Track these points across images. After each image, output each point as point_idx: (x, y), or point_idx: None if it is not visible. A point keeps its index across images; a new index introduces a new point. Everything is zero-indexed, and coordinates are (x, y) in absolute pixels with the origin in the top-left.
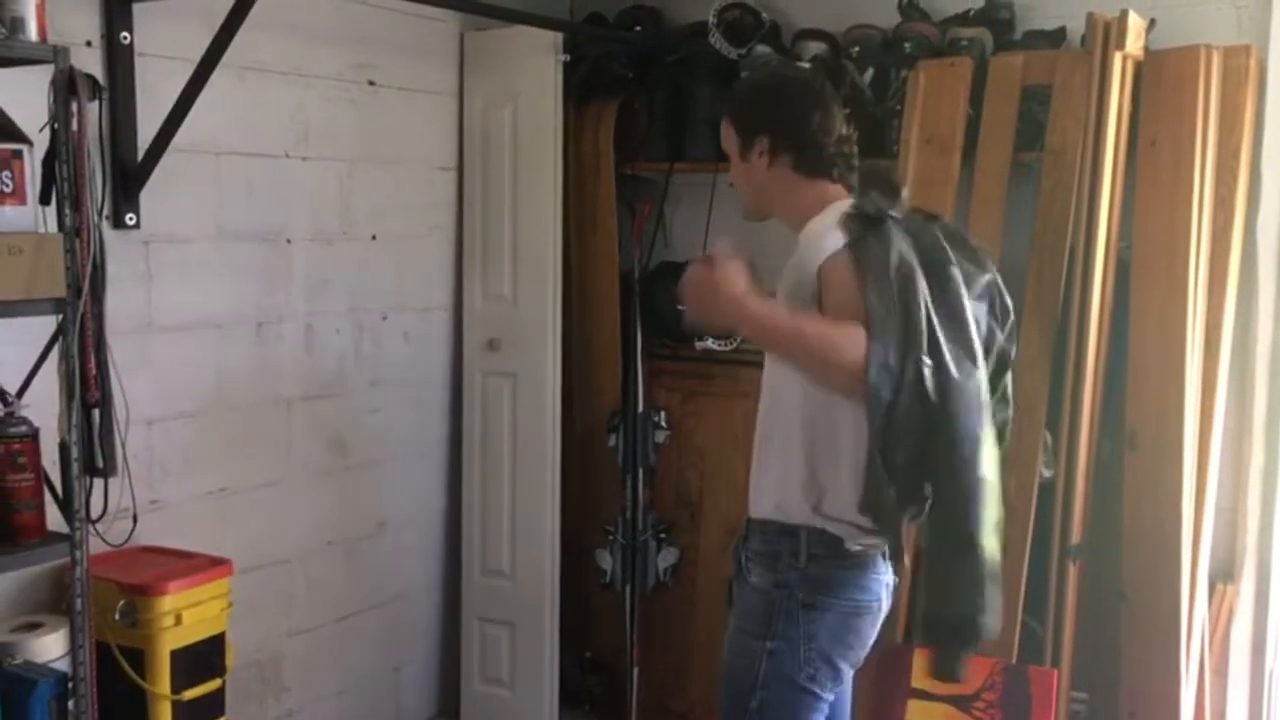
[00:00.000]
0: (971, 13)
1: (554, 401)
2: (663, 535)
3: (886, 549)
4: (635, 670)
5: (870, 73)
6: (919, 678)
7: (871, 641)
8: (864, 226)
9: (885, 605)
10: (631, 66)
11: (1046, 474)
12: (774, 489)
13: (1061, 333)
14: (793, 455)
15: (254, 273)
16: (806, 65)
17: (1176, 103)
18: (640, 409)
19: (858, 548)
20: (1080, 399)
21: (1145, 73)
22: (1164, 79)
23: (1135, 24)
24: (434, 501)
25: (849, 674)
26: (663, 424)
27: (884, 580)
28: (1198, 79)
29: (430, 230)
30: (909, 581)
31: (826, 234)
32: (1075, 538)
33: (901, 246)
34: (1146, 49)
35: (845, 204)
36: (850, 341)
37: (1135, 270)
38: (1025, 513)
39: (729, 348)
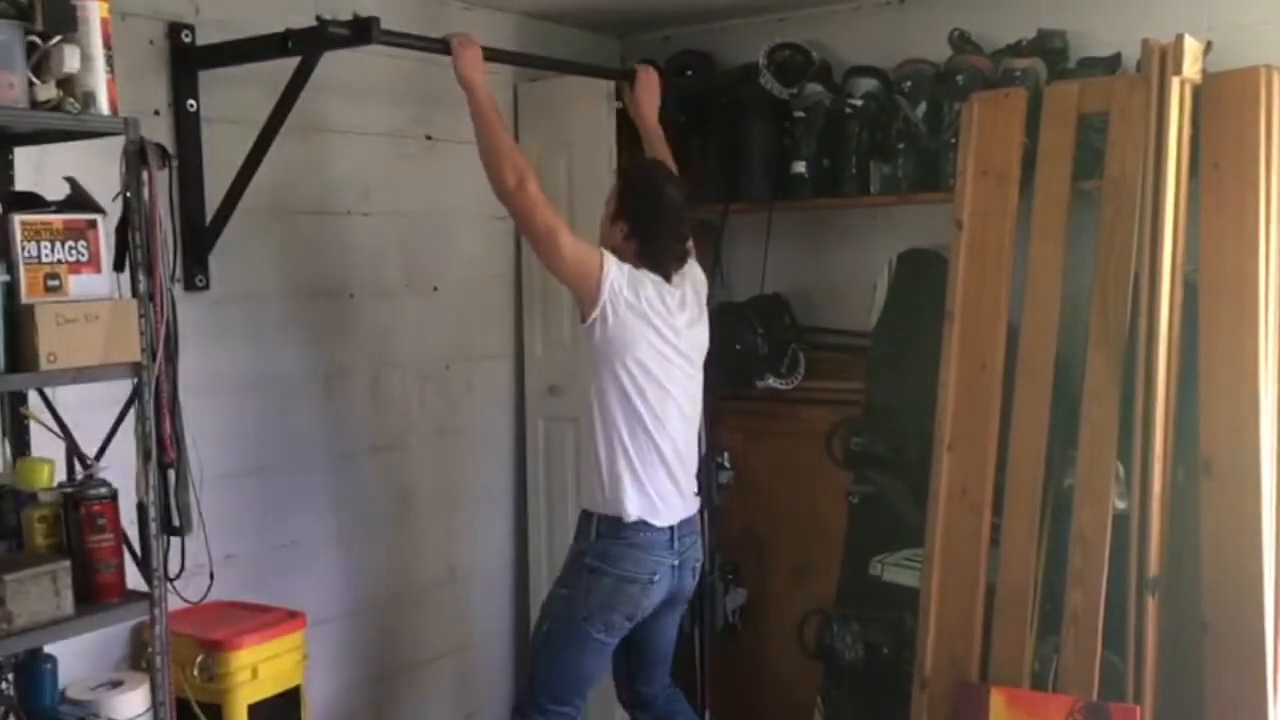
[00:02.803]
0: (1024, 43)
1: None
2: (730, 576)
3: (674, 533)
4: (708, 713)
5: (923, 106)
6: (997, 716)
7: (648, 604)
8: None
9: (669, 580)
10: (684, 110)
11: (1120, 506)
12: (585, 479)
13: (1130, 361)
14: (593, 452)
15: (320, 328)
16: (859, 102)
17: (1238, 124)
18: (703, 450)
19: (634, 517)
20: (1151, 427)
21: (1204, 96)
22: (1224, 101)
23: (1192, 47)
24: (501, 549)
25: (624, 625)
26: (727, 464)
27: (665, 562)
28: (1259, 99)
29: (489, 279)
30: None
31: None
32: (1153, 569)
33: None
34: (1204, 72)
35: (646, 274)
36: (519, 174)
37: (1203, 293)
38: (1100, 546)
39: (790, 387)
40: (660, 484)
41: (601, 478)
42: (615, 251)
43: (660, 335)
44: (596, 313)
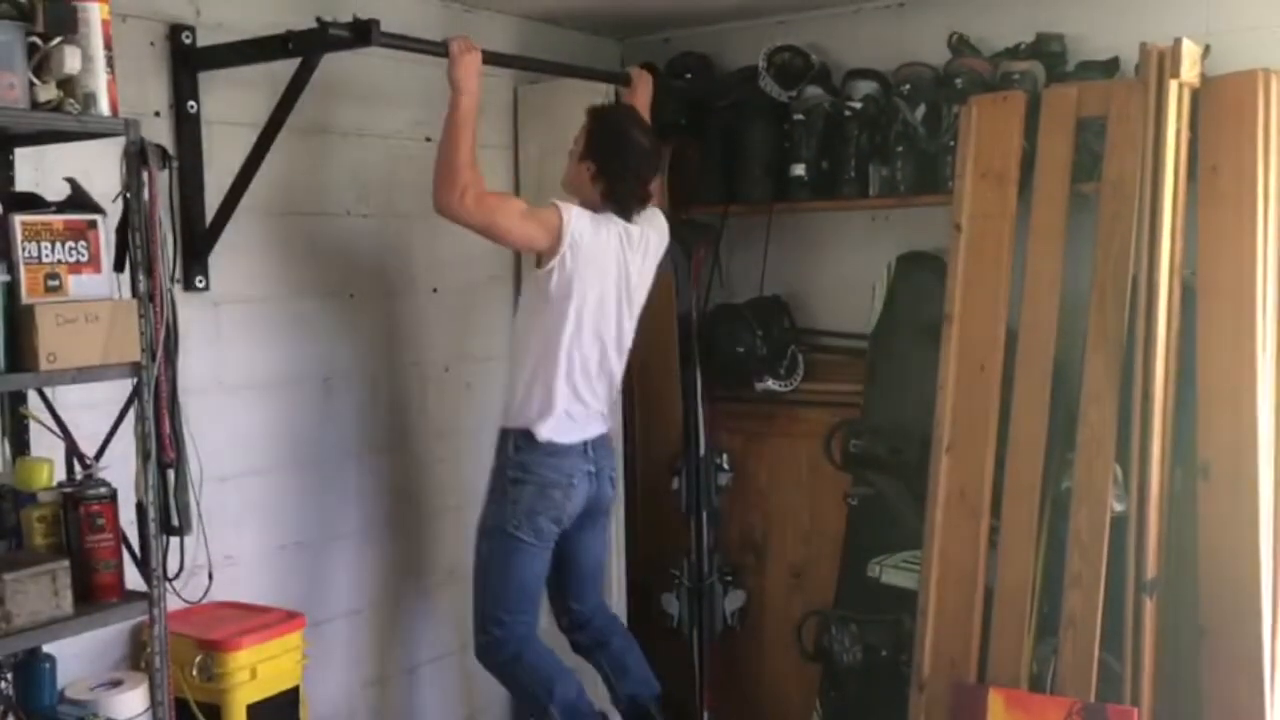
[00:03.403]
0: (1023, 46)
1: (617, 446)
2: (728, 578)
3: (587, 446)
4: (706, 714)
5: (922, 109)
6: (995, 718)
7: (571, 508)
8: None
9: (587, 482)
10: (683, 113)
11: (1118, 508)
12: (504, 402)
13: (1128, 363)
14: (515, 373)
15: (320, 329)
16: (858, 105)
17: (1236, 127)
18: (702, 452)
19: (545, 438)
20: (1150, 430)
21: (1203, 99)
22: (1222, 104)
23: (1190, 51)
24: None
25: (551, 530)
26: (725, 466)
27: (581, 467)
28: (1257, 103)
29: (488, 281)
30: (980, 623)
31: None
32: (1150, 572)
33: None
34: (1202, 75)
35: (614, 219)
36: (462, 189)
37: (1201, 296)
38: (1099, 548)
39: (789, 389)
40: (575, 411)
41: (520, 398)
42: (578, 189)
43: (610, 278)
44: (554, 261)
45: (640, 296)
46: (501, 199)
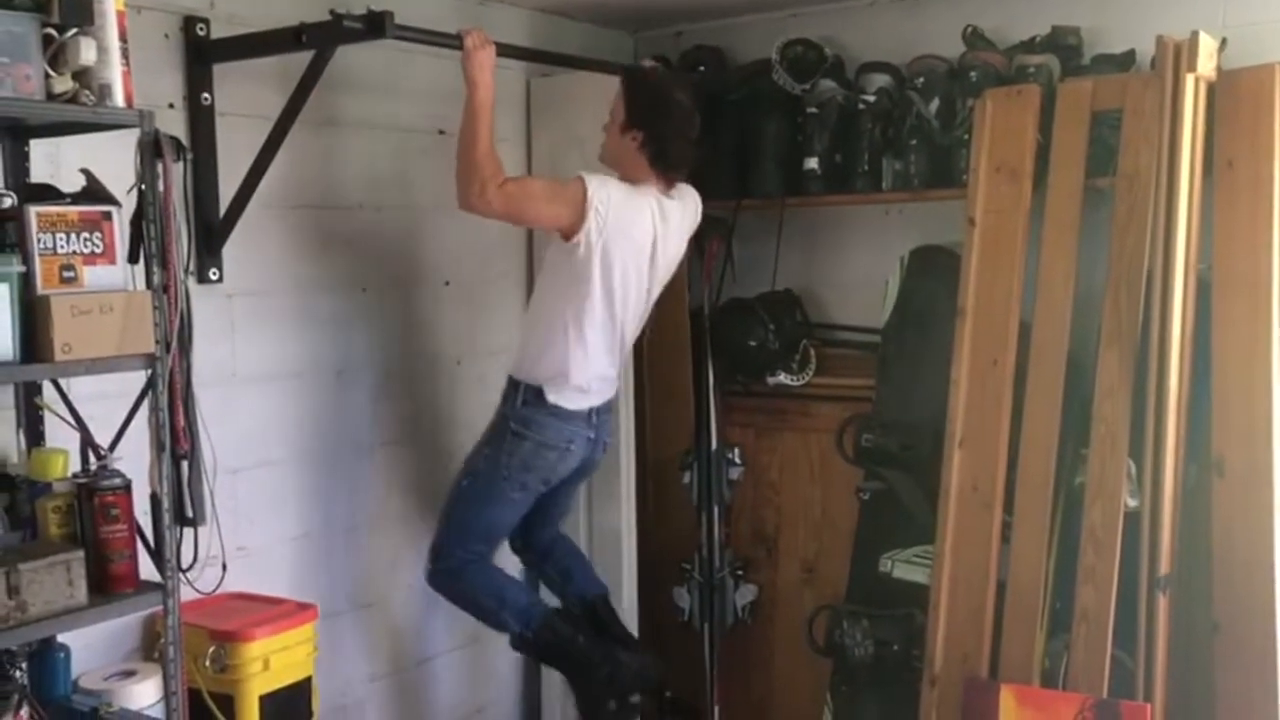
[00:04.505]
0: (1038, 39)
1: (628, 440)
2: (740, 572)
3: (591, 412)
4: (716, 709)
5: (936, 103)
6: (1006, 714)
7: (563, 470)
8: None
9: (584, 449)
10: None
11: (1132, 504)
12: (516, 351)
13: (1142, 359)
14: (533, 328)
15: (332, 322)
16: (872, 98)
17: (1253, 122)
18: (714, 446)
19: (553, 402)
20: (1164, 425)
21: (1219, 93)
22: (1239, 98)
23: (1206, 45)
24: None
25: (538, 487)
26: (737, 460)
27: (582, 433)
28: (1274, 97)
29: (501, 275)
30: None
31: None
32: (1164, 568)
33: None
34: (1219, 69)
35: (650, 192)
36: (482, 182)
37: (1217, 291)
38: (1112, 544)
39: (801, 383)
40: (587, 376)
41: (534, 356)
42: (621, 162)
43: (638, 251)
44: (581, 234)
45: (664, 274)
46: (521, 185)
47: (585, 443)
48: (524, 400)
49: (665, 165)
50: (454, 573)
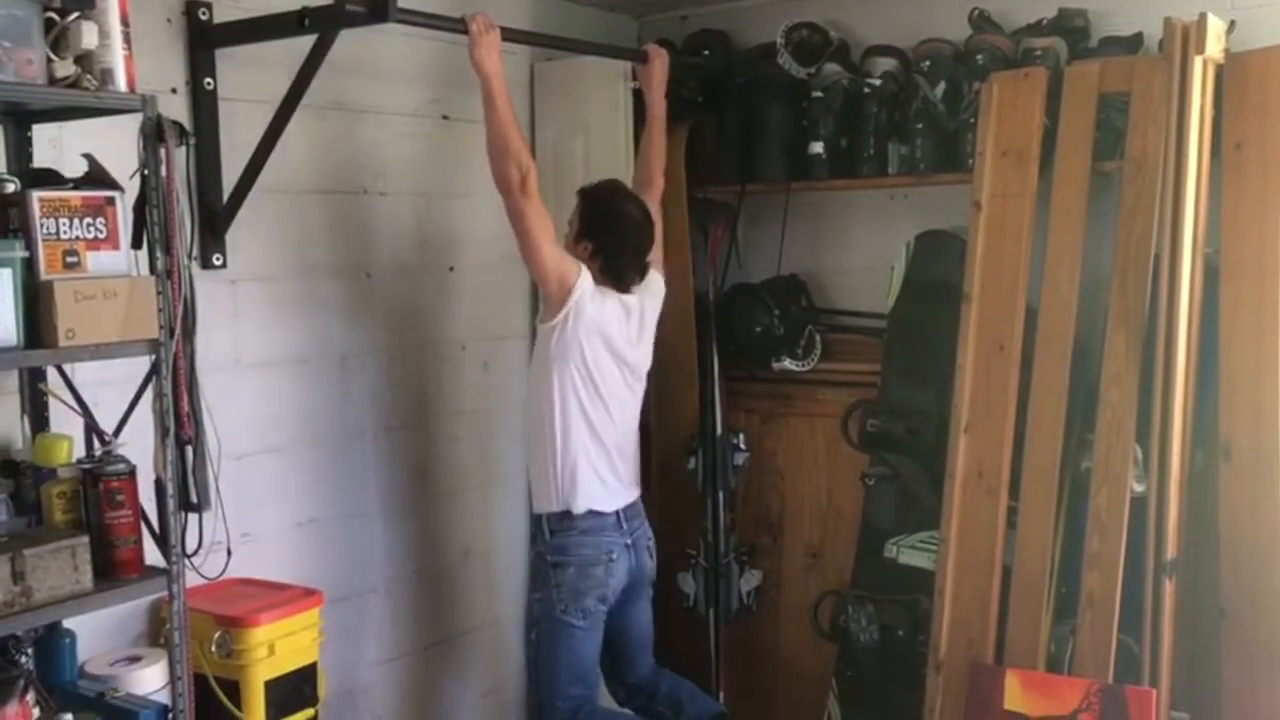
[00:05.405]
0: (1045, 22)
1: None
2: (745, 558)
3: (620, 516)
4: (722, 695)
5: (942, 86)
6: (1012, 699)
7: (614, 584)
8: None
9: (626, 555)
10: (701, 90)
11: (1138, 489)
12: (531, 484)
13: (1149, 343)
14: (539, 452)
15: (336, 307)
16: (877, 82)
17: (1261, 104)
18: (719, 431)
19: (579, 511)
20: (1171, 410)
21: (1227, 75)
22: (1247, 81)
23: (1215, 27)
24: (517, 528)
25: (598, 609)
26: (742, 446)
27: (618, 541)
28: None
29: (505, 260)
30: (998, 604)
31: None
32: (1170, 553)
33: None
34: (1227, 51)
35: (611, 294)
36: (523, 172)
37: (1224, 275)
38: (1118, 529)
39: (806, 369)
40: (604, 473)
41: (549, 476)
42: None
43: (611, 347)
44: (558, 319)
45: (645, 363)
46: (543, 211)
47: (625, 551)
48: (552, 531)
49: (613, 275)
50: None
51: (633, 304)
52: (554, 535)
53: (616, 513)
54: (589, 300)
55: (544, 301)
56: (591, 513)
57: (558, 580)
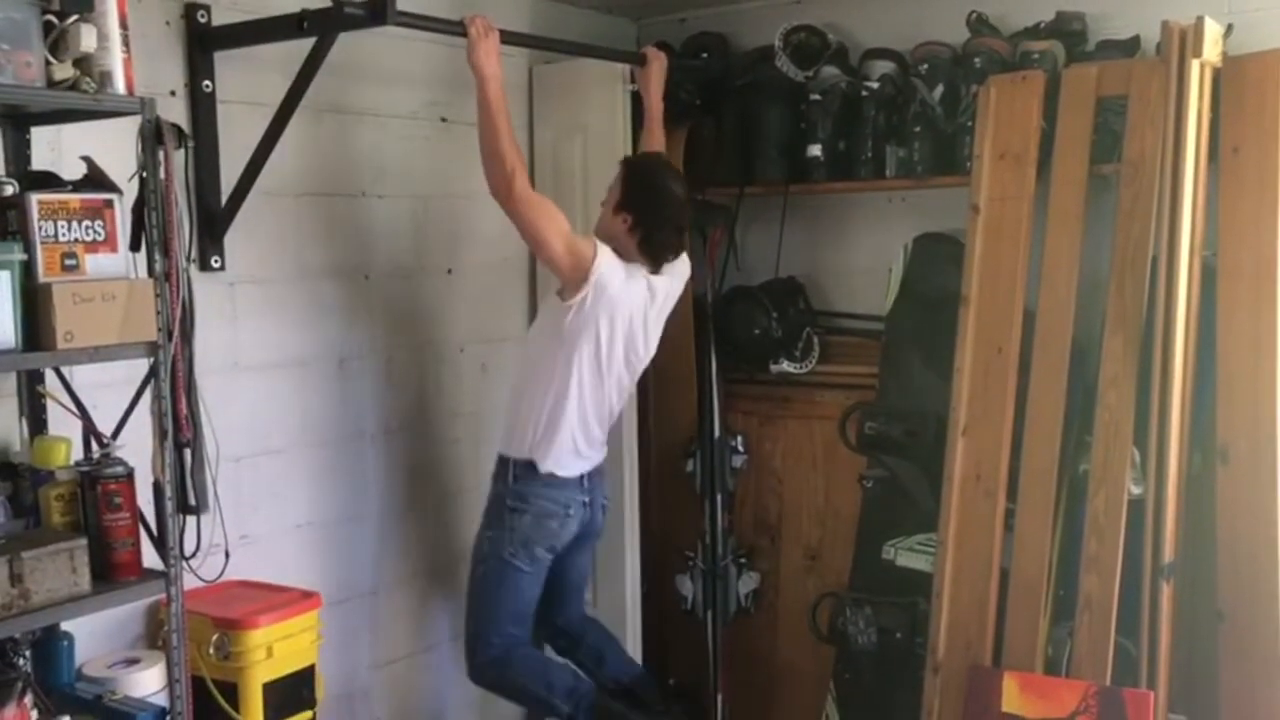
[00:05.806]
0: (1042, 25)
1: (631, 429)
2: (743, 560)
3: (583, 478)
4: (720, 697)
5: (940, 89)
6: (1009, 701)
7: (565, 536)
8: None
9: (582, 511)
10: (699, 93)
11: (1136, 491)
12: (505, 427)
13: (1147, 346)
14: (522, 403)
15: (335, 310)
16: (875, 85)
17: (1259, 108)
18: (717, 434)
19: (546, 471)
20: (1168, 413)
21: (1224, 79)
22: (1245, 84)
23: (1212, 30)
24: None
25: (545, 557)
26: (740, 448)
27: (577, 498)
28: (1279, 83)
29: (503, 262)
30: (996, 606)
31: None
32: (1168, 556)
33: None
34: (1224, 55)
35: (640, 272)
36: (509, 176)
37: (1222, 278)
38: (1116, 532)
39: (804, 371)
40: (580, 445)
41: (525, 427)
42: (613, 240)
43: (626, 328)
44: (577, 299)
45: (652, 346)
46: (545, 203)
47: (582, 507)
48: (516, 476)
49: (651, 250)
50: (496, 662)
51: (659, 287)
52: (517, 481)
53: (581, 475)
54: (611, 276)
55: (563, 282)
56: (555, 475)
57: (512, 524)
